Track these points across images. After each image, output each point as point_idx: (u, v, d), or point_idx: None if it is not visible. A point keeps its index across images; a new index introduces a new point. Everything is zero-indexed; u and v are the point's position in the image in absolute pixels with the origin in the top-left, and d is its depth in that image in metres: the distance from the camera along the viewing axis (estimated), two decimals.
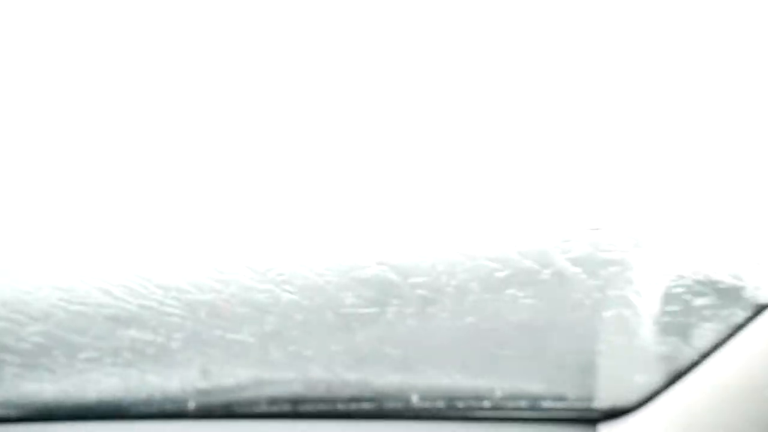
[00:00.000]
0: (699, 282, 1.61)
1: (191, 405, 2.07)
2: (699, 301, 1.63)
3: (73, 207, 1.53)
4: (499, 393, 1.99)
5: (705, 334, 1.67)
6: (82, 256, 1.57)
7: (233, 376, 2.01)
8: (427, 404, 2.00)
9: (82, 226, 1.52)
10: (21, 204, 1.55)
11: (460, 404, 2.00)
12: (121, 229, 1.51)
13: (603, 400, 1.92)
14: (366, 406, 2.02)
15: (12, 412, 2.05)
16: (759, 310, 1.59)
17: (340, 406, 2.02)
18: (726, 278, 1.60)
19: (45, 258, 1.60)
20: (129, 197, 1.48)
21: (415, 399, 2.03)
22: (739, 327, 1.61)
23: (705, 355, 1.66)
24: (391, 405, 2.02)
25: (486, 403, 1.99)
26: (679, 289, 1.64)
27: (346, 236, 1.41)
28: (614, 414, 1.92)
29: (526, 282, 1.54)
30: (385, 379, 2.00)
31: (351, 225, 1.38)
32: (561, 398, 1.94)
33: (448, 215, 1.34)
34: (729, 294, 1.63)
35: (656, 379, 1.79)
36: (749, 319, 1.60)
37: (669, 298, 1.66)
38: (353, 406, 2.02)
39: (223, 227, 1.44)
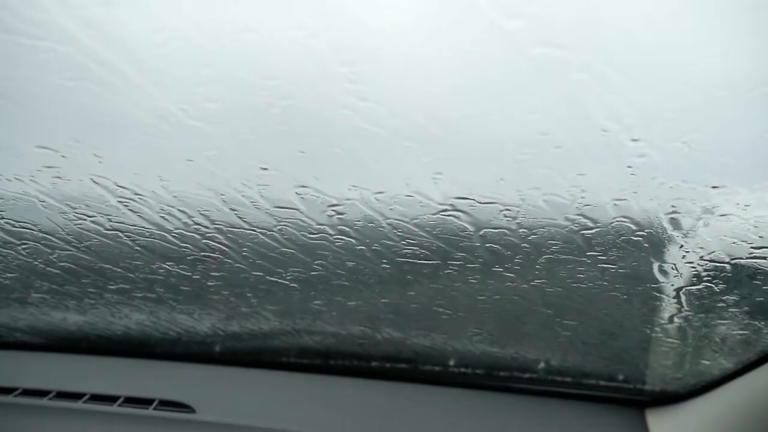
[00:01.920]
0: None
1: (217, 348, 2.00)
2: None
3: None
4: (542, 366, 1.90)
5: None
6: (119, 174, 1.45)
7: (266, 323, 1.91)
8: (465, 370, 1.92)
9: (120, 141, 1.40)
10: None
11: (499, 374, 1.91)
12: (166, 149, 1.39)
13: (654, 384, 1.83)
14: (401, 366, 1.94)
15: (36, 340, 1.98)
16: None
17: (375, 365, 1.94)
18: None
19: (80, 176, 1.49)
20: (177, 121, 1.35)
21: (452, 363, 1.94)
22: None
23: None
24: (427, 368, 1.94)
25: (527, 376, 1.90)
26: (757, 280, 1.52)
27: (418, 172, 1.27)
28: (664, 400, 1.83)
29: (613, 243, 1.41)
30: (425, 339, 1.90)
31: (424, 158, 1.25)
32: (610, 378, 1.85)
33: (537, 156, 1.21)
34: None
35: (714, 369, 1.69)
36: None
37: (744, 287, 1.54)
38: (388, 366, 1.94)
39: (278, 153, 1.31)
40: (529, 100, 1.23)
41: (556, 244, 1.46)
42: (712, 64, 1.15)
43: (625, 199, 1.37)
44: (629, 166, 1.31)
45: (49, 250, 1.70)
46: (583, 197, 1.37)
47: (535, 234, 1.44)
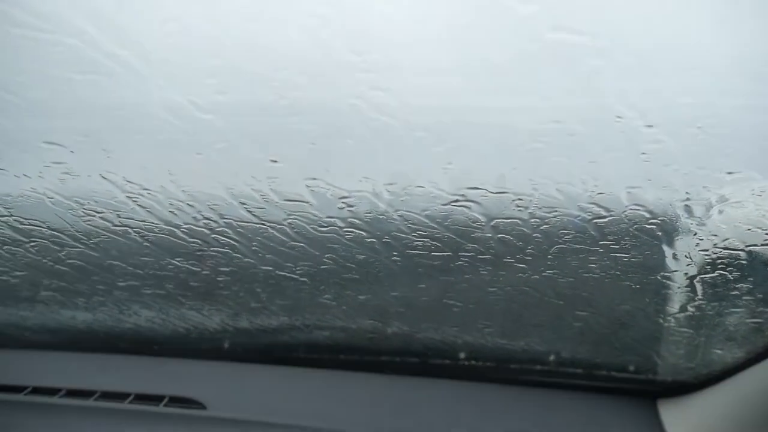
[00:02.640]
0: None
1: (227, 345, 1.99)
2: None
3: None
4: (553, 358, 1.89)
5: None
6: (127, 169, 1.43)
7: (275, 318, 1.91)
8: (476, 363, 1.91)
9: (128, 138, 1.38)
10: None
11: (510, 366, 1.90)
12: (174, 143, 1.38)
13: (666, 375, 1.82)
14: (411, 360, 1.93)
15: (45, 338, 1.97)
16: None
17: (385, 359, 1.93)
18: None
19: (88, 171, 1.47)
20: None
21: (463, 356, 1.93)
22: None
23: None
24: (437, 361, 1.93)
25: (538, 368, 1.89)
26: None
27: (429, 163, 1.25)
28: (676, 390, 1.82)
29: (626, 232, 1.40)
30: (436, 332, 1.89)
31: (435, 148, 1.23)
32: (621, 369, 1.84)
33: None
34: None
35: (727, 359, 1.68)
36: None
37: (758, 274, 1.53)
38: (398, 360, 1.93)
39: (289, 145, 1.29)
40: (542, 87, 1.22)
41: (568, 234, 1.45)
42: (727, 47, 1.14)
43: (638, 187, 1.35)
44: (643, 153, 1.29)
45: (58, 248, 1.69)
46: (596, 186, 1.36)
47: (547, 224, 1.43)
